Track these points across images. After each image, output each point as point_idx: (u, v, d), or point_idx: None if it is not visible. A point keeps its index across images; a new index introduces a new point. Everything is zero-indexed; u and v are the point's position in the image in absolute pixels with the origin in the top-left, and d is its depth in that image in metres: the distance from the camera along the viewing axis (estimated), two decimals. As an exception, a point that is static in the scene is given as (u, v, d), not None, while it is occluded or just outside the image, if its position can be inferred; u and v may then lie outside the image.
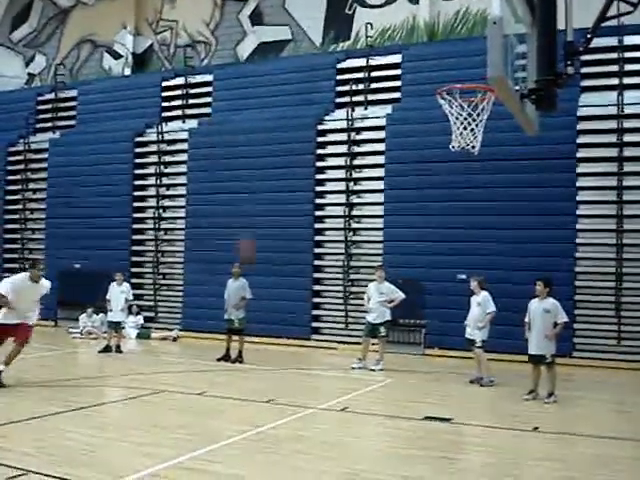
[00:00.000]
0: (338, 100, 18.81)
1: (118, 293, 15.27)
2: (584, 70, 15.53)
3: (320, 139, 18.30)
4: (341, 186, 17.94)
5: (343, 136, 18.07)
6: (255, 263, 10.86)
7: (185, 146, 19.95)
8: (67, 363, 14.42)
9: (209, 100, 20.54)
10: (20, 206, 22.43)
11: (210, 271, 17.84)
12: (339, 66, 18.98)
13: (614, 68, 15.92)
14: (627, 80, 15.81)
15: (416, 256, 16.33)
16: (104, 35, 23.83)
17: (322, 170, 18.28)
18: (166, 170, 20.38)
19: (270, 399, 9.96)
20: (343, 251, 17.64)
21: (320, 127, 18.30)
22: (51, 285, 10.99)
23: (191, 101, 20.88)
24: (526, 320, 10.81)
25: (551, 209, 15.41)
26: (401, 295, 13.64)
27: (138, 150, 20.66)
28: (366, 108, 18.30)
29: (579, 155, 15.62)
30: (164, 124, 20.64)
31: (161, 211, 20.19)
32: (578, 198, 15.49)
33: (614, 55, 15.88)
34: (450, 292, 15.45)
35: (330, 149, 18.33)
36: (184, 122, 20.59)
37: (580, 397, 11.42)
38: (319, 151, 18.26)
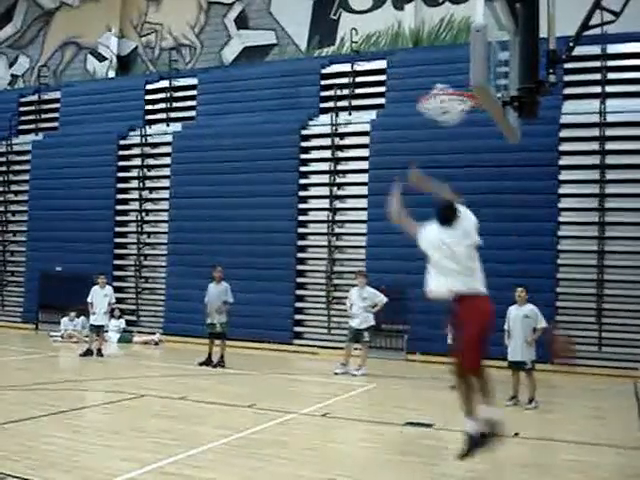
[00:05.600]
0: (322, 105, 18.84)
1: (101, 296, 15.10)
2: (566, 78, 15.63)
3: (304, 144, 18.32)
4: (325, 191, 17.97)
5: (327, 141, 18.10)
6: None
7: (169, 149, 19.91)
8: (48, 367, 14.29)
9: (193, 104, 20.50)
10: (2, 208, 22.27)
11: (193, 275, 17.77)
12: (324, 71, 19.01)
13: (597, 76, 16.06)
14: (609, 88, 15.94)
15: (399, 261, 16.30)
16: (88, 37, 23.72)
17: (306, 175, 18.30)
18: (149, 173, 20.31)
19: (252, 404, 9.93)
20: (326, 256, 17.65)
21: (304, 132, 18.33)
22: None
23: (175, 104, 20.83)
24: (505, 328, 10.83)
25: (533, 216, 15.49)
26: (383, 298, 13.67)
27: (121, 153, 20.60)
28: (350, 113, 18.33)
29: (561, 162, 15.73)
30: (148, 127, 20.60)
31: (144, 214, 20.12)
32: (560, 205, 15.61)
33: (597, 63, 16.02)
34: (433, 298, 15.42)
35: (314, 154, 18.35)
36: (168, 125, 20.54)
37: (561, 403, 11.48)
38: (303, 156, 18.27)
